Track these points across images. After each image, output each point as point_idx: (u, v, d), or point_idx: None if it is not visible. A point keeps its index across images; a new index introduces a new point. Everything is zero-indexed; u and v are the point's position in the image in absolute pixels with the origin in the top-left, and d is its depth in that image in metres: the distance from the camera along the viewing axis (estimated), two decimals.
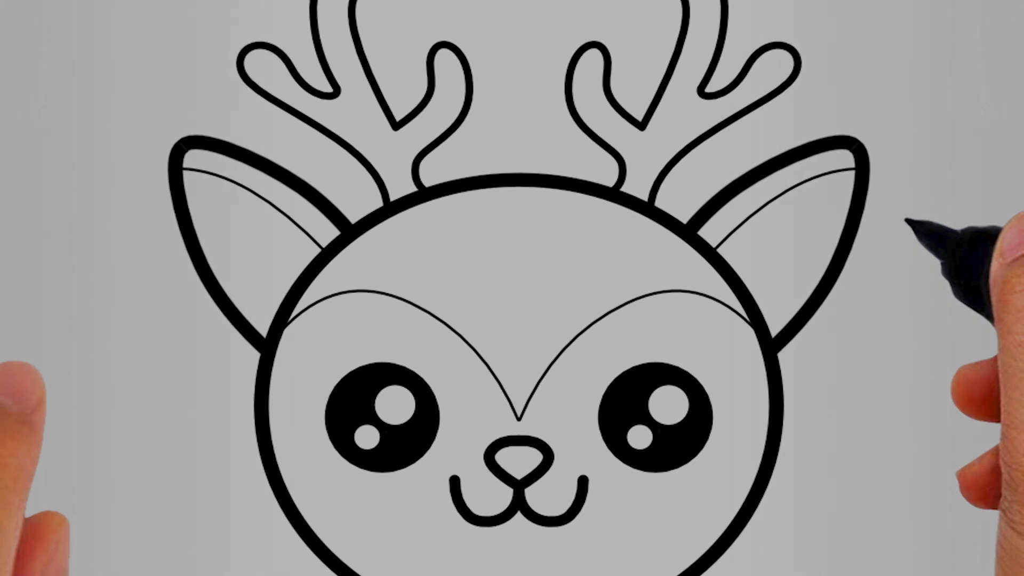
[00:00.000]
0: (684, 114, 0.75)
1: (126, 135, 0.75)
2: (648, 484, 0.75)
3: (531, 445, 0.75)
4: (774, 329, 0.76)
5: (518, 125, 0.75)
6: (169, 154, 0.75)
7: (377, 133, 0.75)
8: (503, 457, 0.75)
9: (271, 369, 0.75)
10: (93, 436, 0.75)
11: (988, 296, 0.48)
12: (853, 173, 0.75)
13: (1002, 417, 0.46)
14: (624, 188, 0.75)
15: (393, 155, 0.75)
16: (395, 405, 0.75)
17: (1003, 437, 0.46)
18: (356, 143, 0.75)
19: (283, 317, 0.75)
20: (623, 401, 0.75)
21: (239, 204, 0.75)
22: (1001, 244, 0.48)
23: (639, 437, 0.75)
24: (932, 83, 0.75)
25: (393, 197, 0.75)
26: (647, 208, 0.75)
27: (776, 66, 0.75)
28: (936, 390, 0.75)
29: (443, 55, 0.75)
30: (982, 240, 0.50)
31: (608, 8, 0.75)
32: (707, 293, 0.75)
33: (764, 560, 0.76)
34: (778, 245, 0.75)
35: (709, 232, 0.75)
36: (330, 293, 0.75)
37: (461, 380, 0.75)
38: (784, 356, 0.76)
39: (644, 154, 0.75)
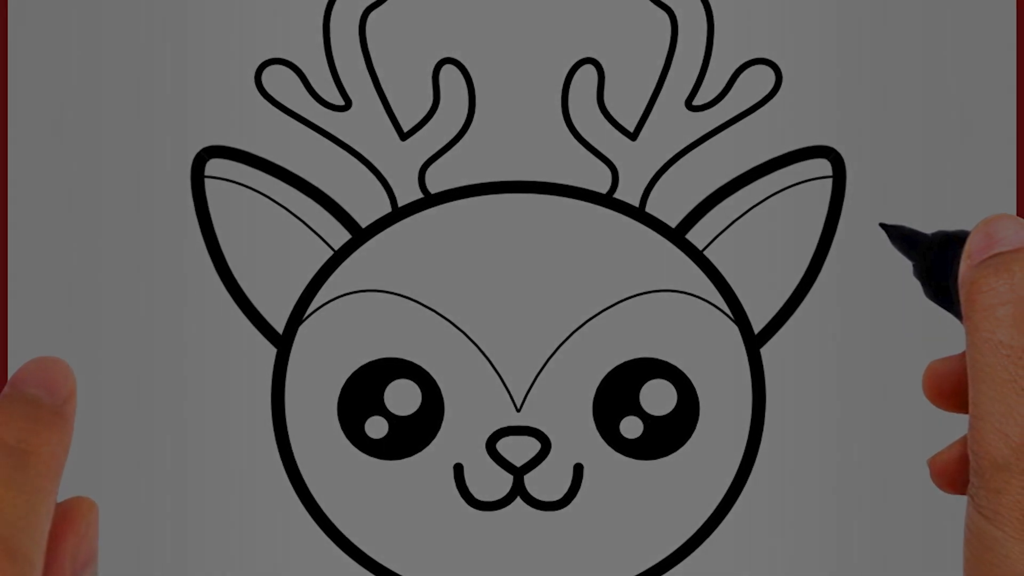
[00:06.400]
0: (673, 125, 0.75)
1: (152, 145, 0.75)
2: (639, 471, 0.75)
3: (530, 435, 0.75)
4: (757, 326, 0.76)
5: (517, 136, 0.75)
6: (191, 163, 0.75)
7: (386, 143, 0.75)
8: (504, 446, 0.75)
9: (287, 364, 0.75)
10: (121, 426, 0.75)
11: (957, 295, 0.48)
12: (831, 180, 0.75)
13: (970, 409, 0.46)
14: (617, 195, 0.75)
15: (401, 164, 0.75)
16: (403, 397, 0.75)
17: (971, 427, 0.46)
18: (366, 152, 0.75)
19: (298, 315, 0.75)
20: (616, 394, 0.75)
21: (257, 209, 0.75)
22: (969, 247, 0.48)
23: (631, 427, 0.75)
24: (906, 96, 0.75)
25: (401, 203, 0.75)
26: (638, 213, 0.75)
27: (759, 81, 0.75)
28: (908, 383, 0.75)
29: (447, 70, 0.75)
30: (951, 243, 0.49)
31: (602, 26, 0.75)
32: (694, 292, 0.75)
33: (747, 543, 0.76)
34: (761, 247, 0.75)
35: (696, 235, 0.75)
36: (342, 293, 0.75)
37: (464, 374, 0.75)
38: (766, 351, 0.76)
39: (635, 163, 0.75)
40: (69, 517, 0.43)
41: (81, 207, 0.75)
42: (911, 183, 0.75)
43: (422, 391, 0.75)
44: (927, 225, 0.52)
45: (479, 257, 0.75)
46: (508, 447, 0.75)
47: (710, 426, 0.75)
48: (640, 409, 0.75)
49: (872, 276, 0.75)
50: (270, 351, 0.76)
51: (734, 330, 0.75)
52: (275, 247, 0.75)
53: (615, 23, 0.75)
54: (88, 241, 0.75)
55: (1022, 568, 0.44)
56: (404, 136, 0.75)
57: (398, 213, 0.75)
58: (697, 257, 0.75)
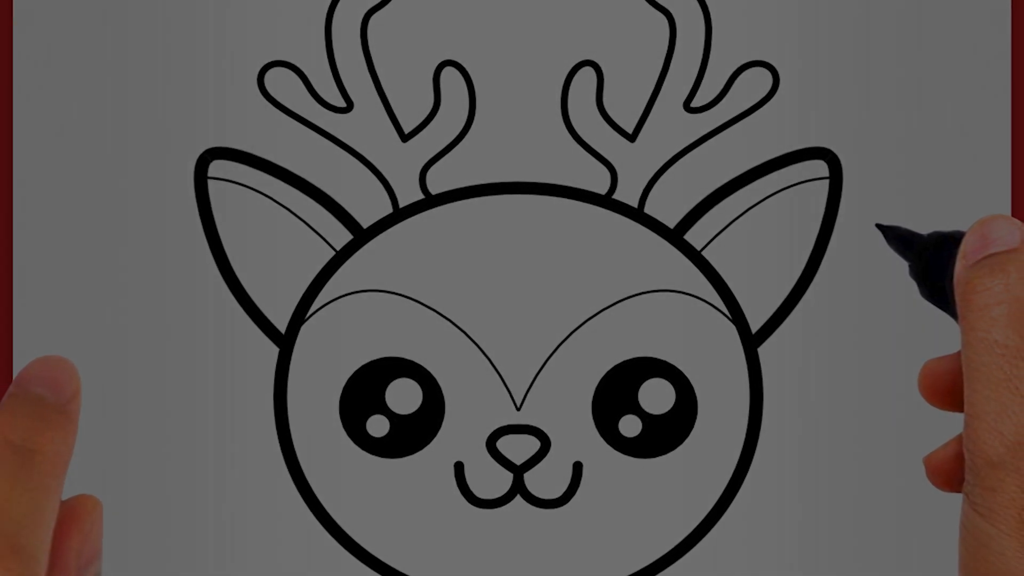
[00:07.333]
0: (671, 127, 0.75)
1: (156, 146, 0.75)
2: (638, 469, 0.75)
3: (530, 433, 0.75)
4: (754, 326, 0.76)
5: (517, 137, 0.75)
6: (195, 164, 0.75)
7: (387, 145, 0.75)
8: (504, 444, 0.75)
9: (289, 363, 0.75)
10: (125, 425, 0.75)
11: (952, 295, 0.48)
12: (827, 182, 0.75)
13: (965, 407, 0.46)
14: (616, 195, 0.75)
15: (402, 165, 0.75)
16: (404, 396, 0.75)
17: (966, 426, 0.46)
18: (367, 154, 0.75)
19: (300, 315, 0.75)
20: (615, 392, 0.75)
21: (259, 210, 0.75)
22: (964, 247, 0.48)
23: (629, 426, 0.75)
24: (902, 98, 0.75)
25: (402, 204, 0.75)
26: (637, 214, 0.75)
27: (756, 83, 0.75)
28: (904, 382, 0.75)
29: (448, 72, 0.75)
30: (947, 243, 0.49)
31: (601, 29, 0.75)
32: (693, 292, 0.75)
33: (744, 541, 0.76)
34: (759, 248, 0.75)
35: (694, 236, 0.75)
36: (343, 293, 0.75)
37: (465, 373, 0.75)
38: (764, 351, 0.76)
39: (634, 164, 0.75)
40: (74, 515, 0.43)
41: (85, 208, 0.75)
42: (907, 184, 0.75)
43: (423, 390, 0.75)
44: (923, 226, 0.52)
45: (479, 257, 0.75)
46: (508, 445, 0.75)
47: (708, 425, 0.75)
48: (639, 408, 0.75)
49: (868, 276, 0.75)
50: (272, 350, 0.76)
51: (732, 330, 0.75)
52: (277, 247, 0.75)
53: (614, 26, 0.75)
54: (93, 241, 0.75)
55: (1017, 565, 0.44)
56: (405, 138, 0.75)
57: (399, 214, 0.75)
58: (695, 257, 0.75)
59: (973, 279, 0.47)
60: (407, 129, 0.75)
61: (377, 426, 0.75)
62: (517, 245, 0.75)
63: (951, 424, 0.50)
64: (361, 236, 0.75)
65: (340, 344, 0.75)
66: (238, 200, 0.75)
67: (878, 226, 0.53)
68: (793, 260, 0.76)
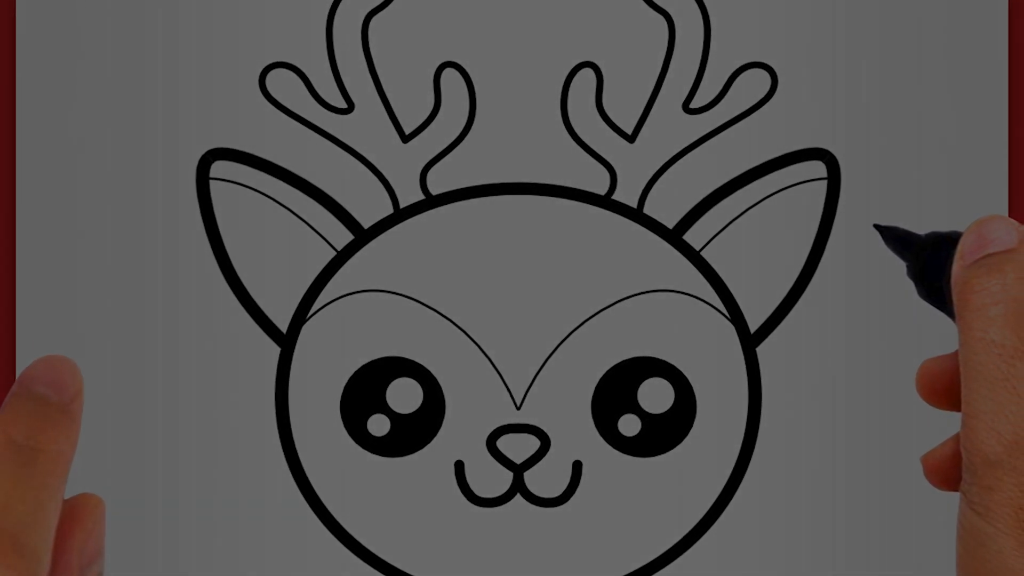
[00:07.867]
0: (670, 128, 0.75)
1: (157, 147, 0.75)
2: (637, 468, 0.75)
3: (530, 432, 0.75)
4: (753, 326, 0.76)
5: (517, 138, 0.75)
6: (197, 165, 0.75)
7: (388, 146, 0.75)
8: (504, 443, 0.75)
9: (291, 363, 0.75)
10: (127, 424, 0.75)
11: (950, 295, 0.48)
12: (825, 182, 0.75)
13: (962, 407, 0.46)
14: (615, 196, 0.75)
15: (402, 166, 0.75)
16: (405, 396, 0.75)
17: (963, 425, 0.46)
18: (368, 155, 0.75)
19: (301, 315, 0.75)
20: (614, 392, 0.75)
21: (261, 211, 0.75)
22: (962, 247, 0.48)
23: (629, 425, 0.75)
24: (899, 99, 0.75)
25: (403, 204, 0.75)
26: (636, 214, 0.75)
27: (755, 84, 0.75)
28: (902, 382, 0.75)
29: (448, 74, 0.75)
30: (944, 244, 0.49)
31: (600, 30, 0.75)
32: (691, 292, 0.75)
33: (743, 539, 0.76)
34: (757, 248, 0.75)
35: (693, 236, 0.75)
36: (345, 292, 0.75)
37: (465, 373, 0.75)
38: (762, 351, 0.76)
39: (633, 165, 0.75)
40: (76, 513, 0.43)
41: (88, 208, 0.75)
42: (904, 185, 0.75)
43: (423, 389, 0.75)
44: (920, 226, 0.52)
45: (480, 257, 0.75)
46: (508, 444, 0.75)
47: (707, 424, 0.75)
48: (638, 407, 0.75)
49: (866, 277, 0.75)
50: (274, 350, 0.76)
51: (730, 329, 0.75)
52: (279, 248, 0.75)
53: (613, 27, 0.75)
54: (95, 242, 0.75)
55: (1014, 563, 0.44)
56: (406, 138, 0.75)
57: (400, 214, 0.75)
58: (694, 257, 0.75)
59: (970, 279, 0.47)
60: (408, 130, 0.75)
61: (378, 425, 0.75)
62: (517, 245, 0.75)
63: (949, 423, 0.50)
64: (362, 236, 0.75)
65: (341, 344, 0.75)
66: (240, 201, 0.75)
67: (876, 226, 0.53)
68: (791, 260, 0.76)
